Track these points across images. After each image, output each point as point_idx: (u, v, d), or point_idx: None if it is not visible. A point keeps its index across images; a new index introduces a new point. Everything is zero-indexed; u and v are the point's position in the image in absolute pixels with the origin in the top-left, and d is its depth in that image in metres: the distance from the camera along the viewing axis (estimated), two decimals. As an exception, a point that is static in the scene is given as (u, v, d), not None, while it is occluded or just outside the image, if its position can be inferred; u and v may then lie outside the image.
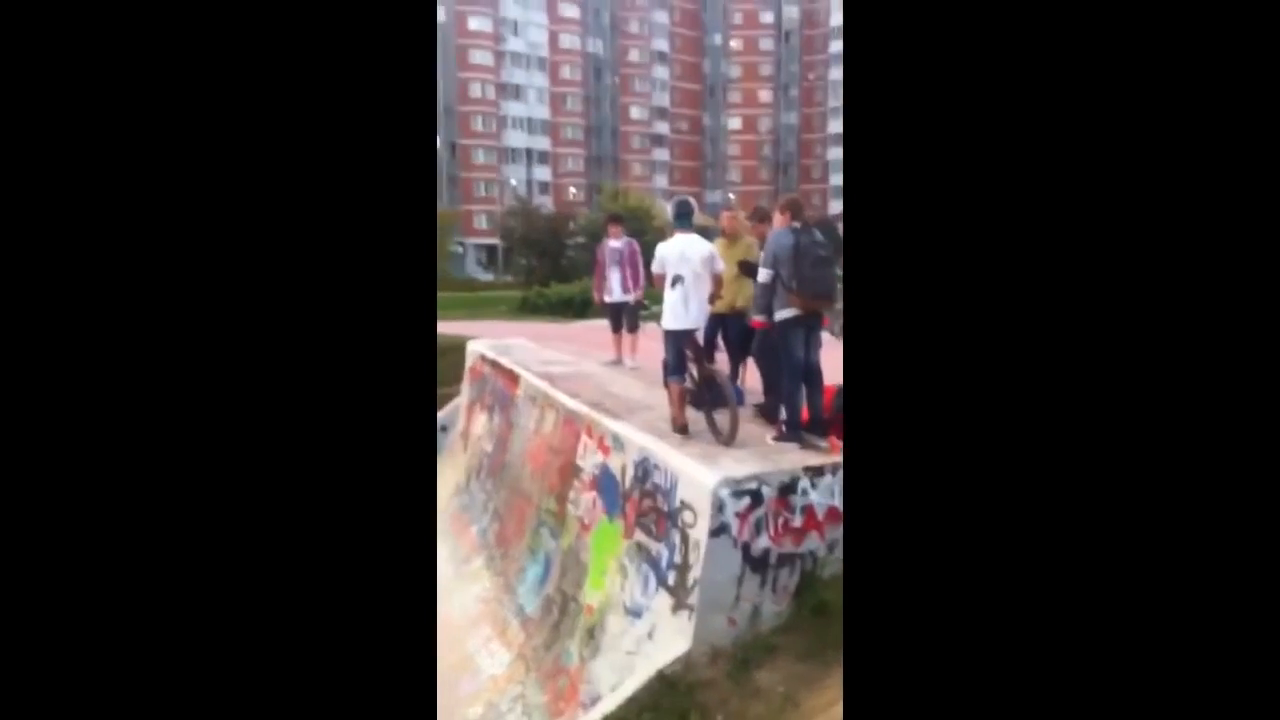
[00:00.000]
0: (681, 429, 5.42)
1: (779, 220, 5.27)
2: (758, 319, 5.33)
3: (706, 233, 5.98)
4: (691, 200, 5.84)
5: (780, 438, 5.17)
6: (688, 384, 5.57)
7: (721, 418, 5.26)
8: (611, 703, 4.38)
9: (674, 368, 5.47)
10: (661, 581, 4.69)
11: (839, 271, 4.96)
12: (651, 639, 4.58)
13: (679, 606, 4.46)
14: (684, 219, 5.57)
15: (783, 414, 5.25)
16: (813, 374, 5.24)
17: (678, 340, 5.41)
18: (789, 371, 5.19)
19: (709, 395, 5.46)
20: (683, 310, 5.33)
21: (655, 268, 5.49)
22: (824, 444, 4.99)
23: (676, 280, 5.32)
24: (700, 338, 5.72)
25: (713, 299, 5.60)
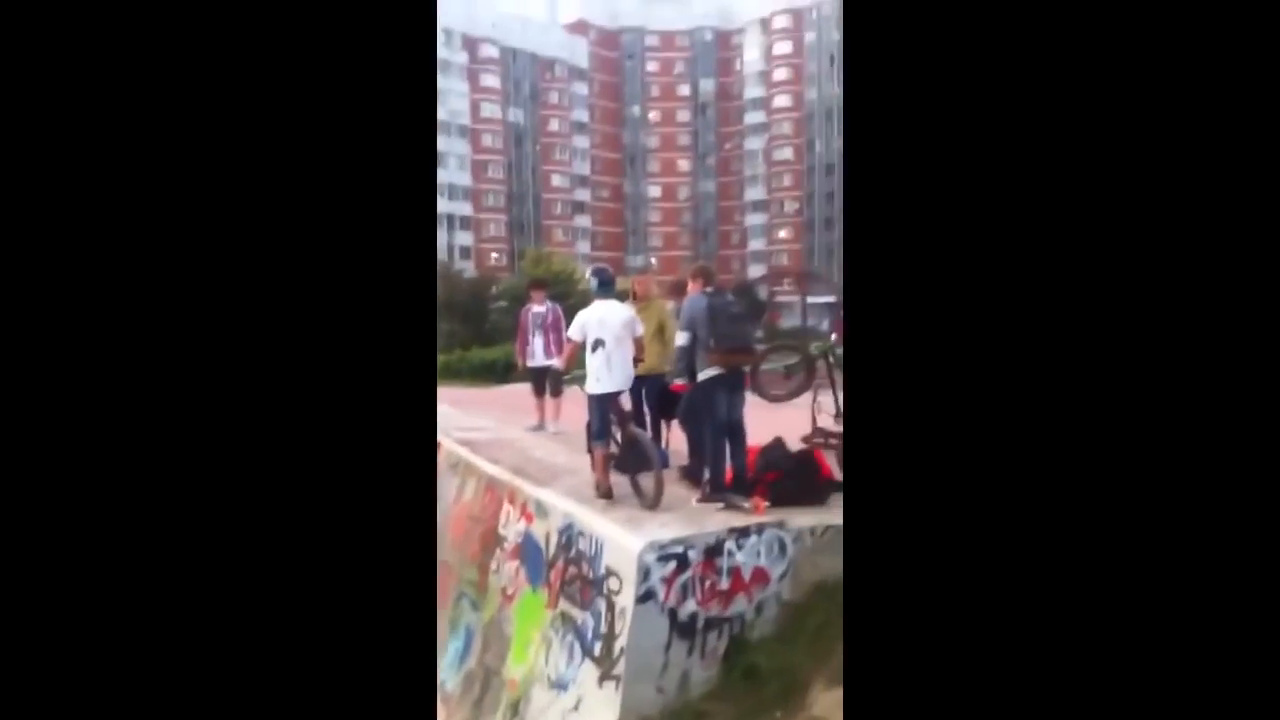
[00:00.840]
0: (606, 494, 5.37)
1: (692, 287, 5.45)
2: (678, 382, 5.42)
3: (620, 297, 6.06)
4: (609, 269, 6.00)
5: (704, 499, 5.16)
6: (611, 448, 5.54)
7: (646, 481, 5.23)
8: (537, 781, 4.20)
9: (598, 432, 5.46)
10: (587, 652, 4.57)
11: (755, 330, 5.06)
12: (577, 711, 4.44)
13: (605, 677, 4.35)
14: (605, 286, 5.70)
15: (706, 474, 5.25)
16: (736, 433, 5.29)
17: (602, 404, 5.43)
18: (712, 431, 5.22)
19: (633, 458, 5.43)
20: (606, 374, 5.37)
21: (574, 334, 5.53)
22: (748, 504, 5.00)
23: (598, 344, 5.37)
24: (624, 400, 5.73)
25: (636, 362, 5.63)
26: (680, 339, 5.24)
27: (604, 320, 5.42)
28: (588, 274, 5.91)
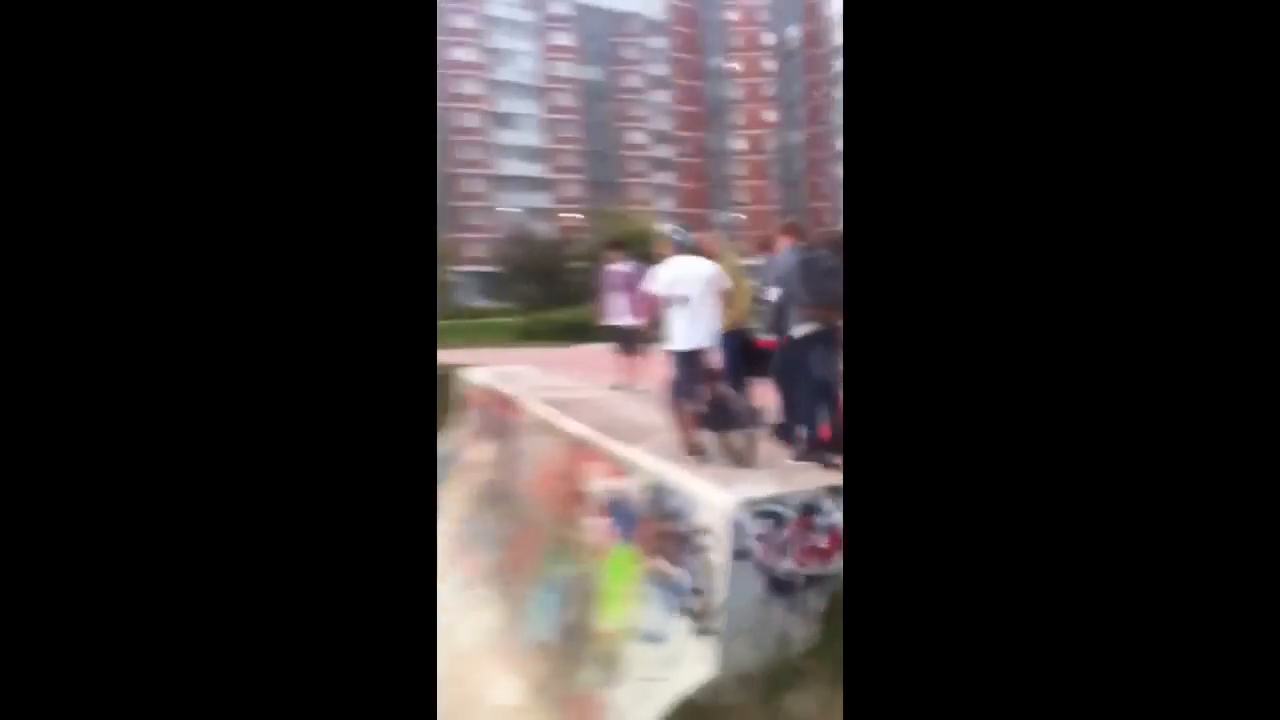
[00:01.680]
0: (695, 451, 5.30)
1: (783, 242, 5.27)
2: (764, 339, 5.26)
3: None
4: (686, 225, 5.83)
5: (800, 457, 5.06)
6: (699, 406, 5.43)
7: (737, 439, 5.13)
8: (636, 732, 4.24)
9: (684, 390, 5.29)
10: (683, 607, 4.56)
11: None
12: (674, 664, 4.45)
13: (701, 631, 4.34)
14: (685, 243, 5.56)
15: (803, 432, 5.14)
16: (831, 391, 5.14)
17: (685, 361, 5.27)
18: (807, 389, 5.11)
19: (722, 416, 5.28)
20: (689, 330, 5.21)
21: (656, 288, 5.37)
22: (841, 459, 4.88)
23: (682, 300, 5.22)
24: (711, 358, 5.59)
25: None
26: (772, 294, 5.12)
27: (686, 276, 5.26)
28: (667, 230, 5.71)
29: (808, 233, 5.37)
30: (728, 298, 5.59)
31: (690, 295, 5.21)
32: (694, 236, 5.67)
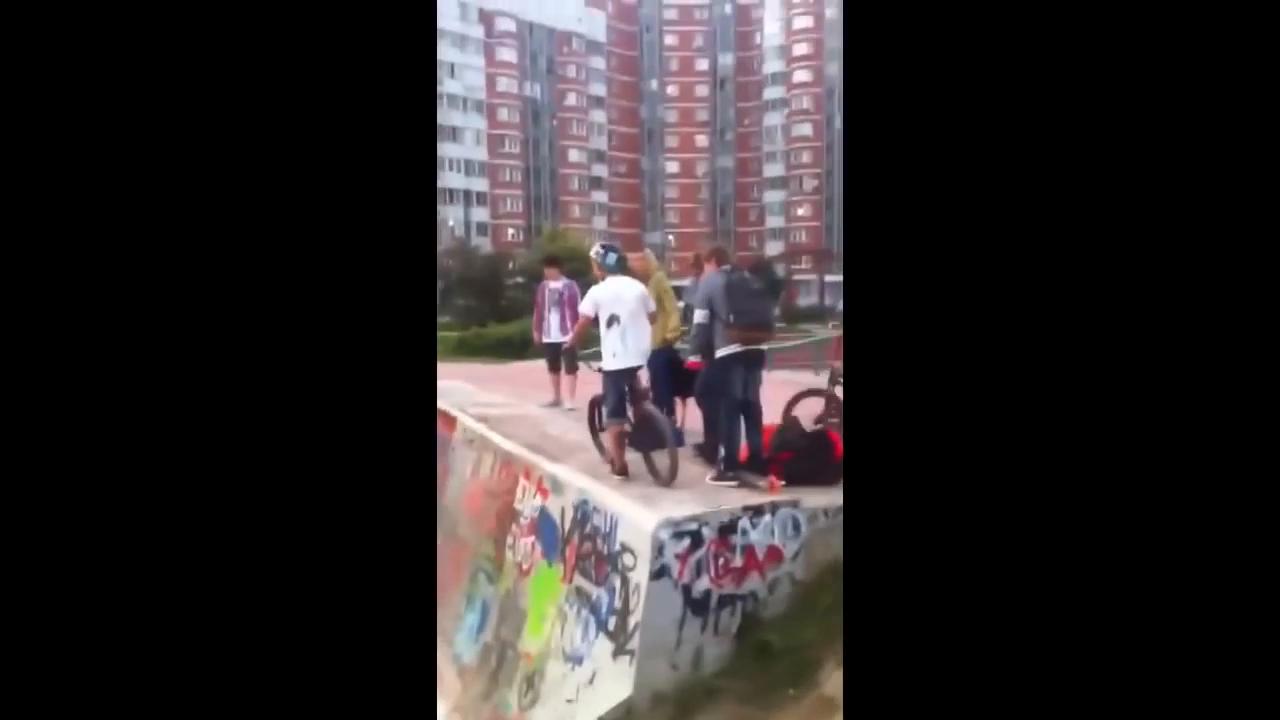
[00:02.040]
0: (621, 471, 5.39)
1: (708, 267, 5.46)
2: (693, 359, 5.41)
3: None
4: (618, 244, 5.92)
5: (719, 477, 5.18)
6: (625, 425, 5.54)
7: (660, 458, 5.23)
8: (552, 753, 4.27)
9: (614, 409, 5.39)
10: (602, 626, 4.61)
11: (774, 308, 5.04)
12: (592, 685, 4.49)
13: (620, 651, 4.39)
14: (618, 262, 5.66)
15: (722, 452, 5.27)
16: (752, 412, 5.29)
17: (618, 380, 5.36)
18: (727, 409, 5.23)
19: (646, 435, 5.40)
20: (621, 349, 5.32)
21: (585, 309, 5.48)
22: (762, 483, 5.01)
23: (612, 320, 5.31)
24: (641, 376, 5.70)
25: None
26: (697, 316, 5.22)
27: (618, 296, 5.37)
28: (596, 250, 5.80)
29: (731, 257, 5.54)
30: (655, 318, 5.75)
31: (620, 315, 5.31)
32: (623, 256, 5.80)
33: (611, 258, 5.64)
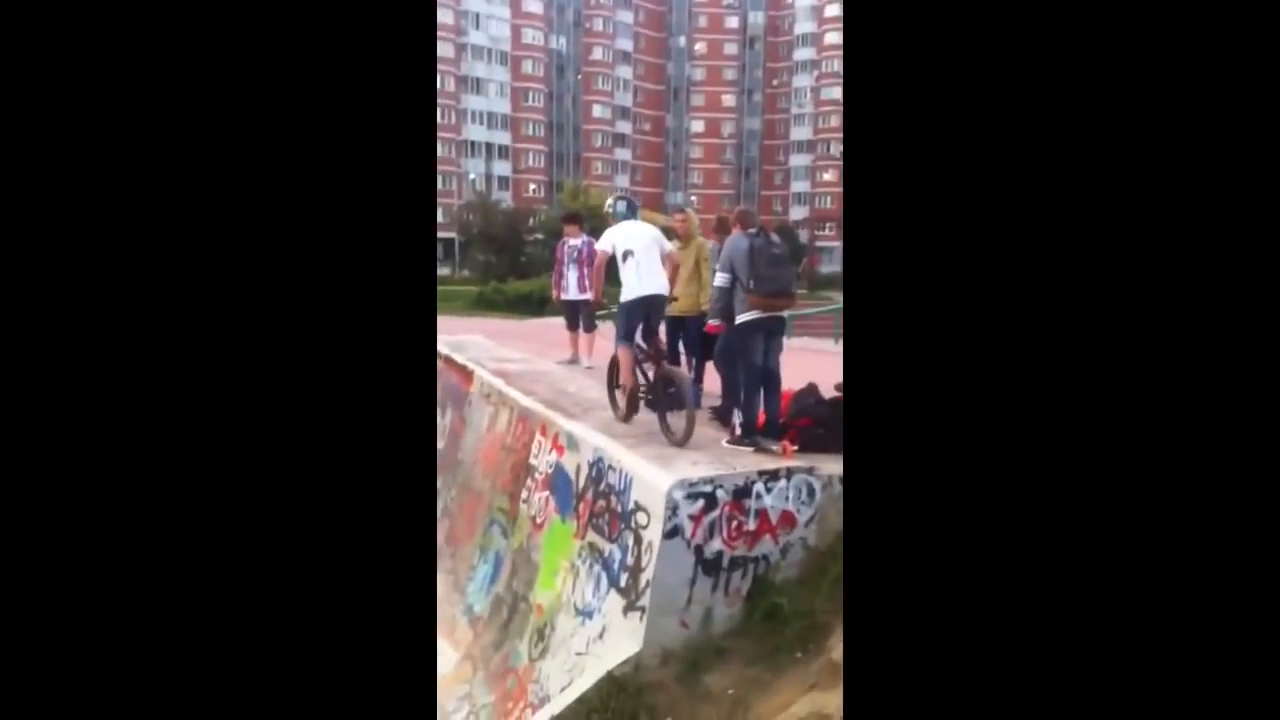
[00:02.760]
0: (631, 403, 5.66)
1: (735, 230, 5.40)
2: (713, 323, 5.39)
3: (668, 234, 6.20)
4: (632, 197, 6.27)
5: (734, 441, 5.18)
6: (641, 384, 5.63)
7: (676, 419, 5.28)
8: (560, 703, 4.34)
9: (624, 334, 5.61)
10: (613, 583, 4.66)
11: (797, 272, 5.00)
12: (602, 640, 4.55)
13: (630, 608, 4.44)
14: (631, 210, 5.96)
15: (737, 417, 5.27)
16: (770, 378, 5.28)
17: (632, 309, 5.58)
18: (746, 375, 5.22)
19: (666, 396, 5.48)
20: (636, 281, 5.53)
21: (603, 245, 5.72)
22: (776, 448, 5.02)
23: (627, 255, 5.56)
24: (661, 336, 5.80)
25: (672, 284, 5.83)
26: (719, 280, 5.23)
27: (632, 234, 5.63)
28: (610, 202, 6.12)
29: (757, 220, 5.48)
30: (676, 268, 5.99)
31: (635, 250, 5.56)
32: (634, 205, 6.02)
33: (622, 205, 5.96)
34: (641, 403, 5.72)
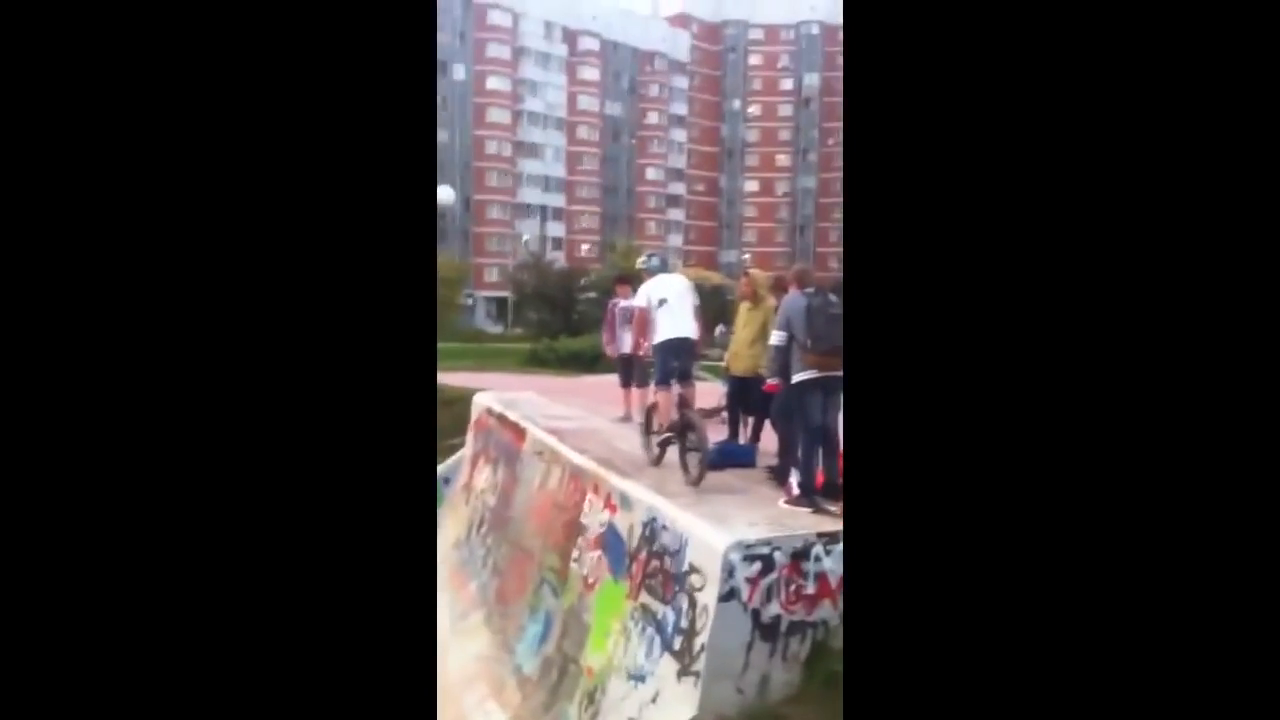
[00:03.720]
0: (664, 441, 6.04)
1: (791, 290, 5.43)
2: (771, 382, 5.39)
3: (722, 293, 6.53)
4: (664, 254, 7.13)
5: (792, 501, 5.07)
6: (672, 393, 5.98)
7: (693, 461, 5.61)
8: (612, 771, 4.21)
9: (661, 377, 6.04)
10: (667, 646, 4.54)
11: None
12: (655, 704, 4.42)
13: (684, 672, 4.31)
14: (663, 265, 6.64)
15: (795, 477, 5.16)
16: (829, 437, 5.18)
17: (665, 351, 6.04)
18: (805, 434, 5.15)
19: (686, 440, 5.77)
20: (670, 325, 6.06)
21: (639, 301, 6.30)
22: (835, 509, 4.88)
23: (661, 302, 6.11)
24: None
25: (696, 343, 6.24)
26: (775, 338, 5.25)
27: (664, 285, 6.22)
28: (645, 258, 6.72)
29: (814, 279, 5.46)
30: (742, 342, 6.51)
31: (668, 298, 6.12)
32: (665, 260, 6.65)
33: (655, 260, 6.63)
34: (654, 438, 6.18)
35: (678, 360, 5.97)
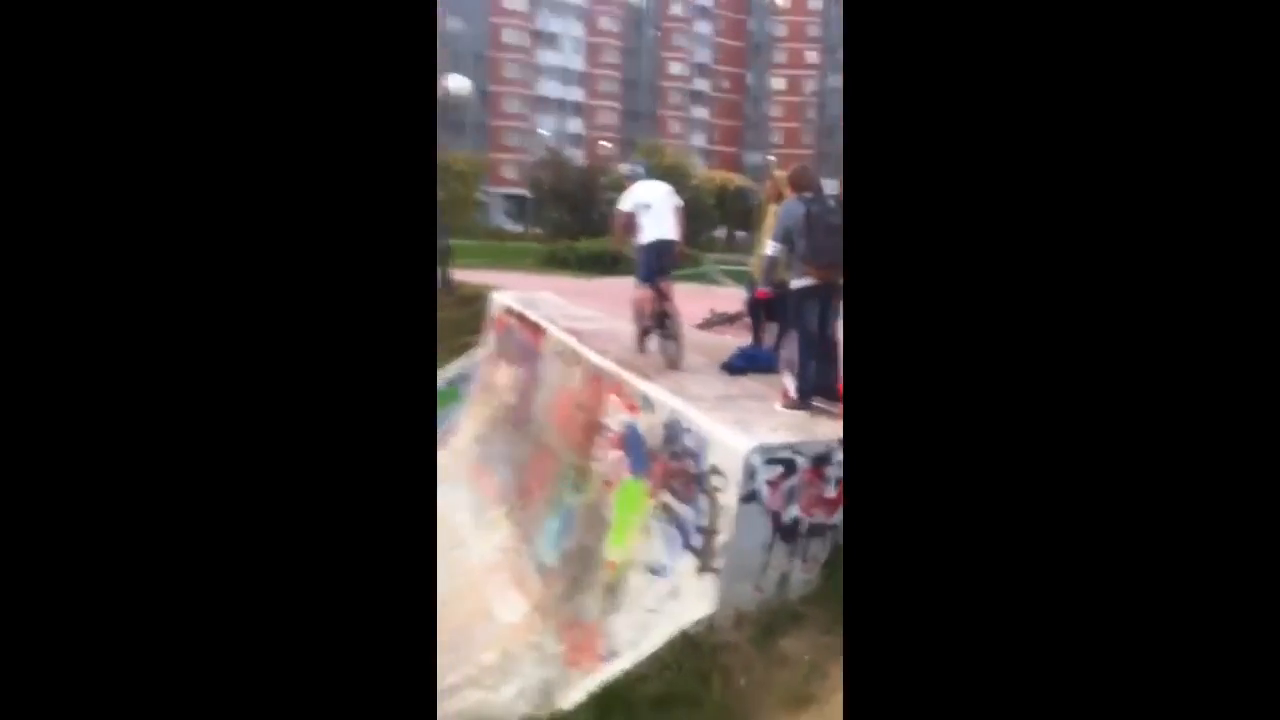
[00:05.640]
0: (645, 330, 6.74)
1: (789, 192, 5.23)
2: (762, 289, 5.39)
3: (745, 195, 6.52)
4: (641, 164, 7.77)
5: (788, 404, 5.09)
6: (648, 321, 6.67)
7: (671, 346, 6.42)
8: (632, 658, 4.37)
9: (645, 275, 6.58)
10: (687, 543, 4.66)
11: None
12: (675, 598, 4.56)
13: (704, 569, 4.44)
14: (647, 170, 7.55)
15: (790, 381, 5.18)
16: (827, 344, 5.16)
17: (649, 252, 6.54)
18: (801, 341, 5.14)
19: (663, 326, 6.56)
20: (652, 227, 6.52)
21: (624, 205, 6.73)
22: (835, 409, 4.91)
23: (646, 207, 6.57)
24: (670, 249, 6.64)
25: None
26: (770, 249, 5.16)
27: (648, 190, 6.69)
28: (628, 167, 7.54)
29: (815, 182, 5.24)
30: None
31: (651, 203, 6.59)
32: (650, 166, 7.30)
33: (640, 168, 7.50)
34: (654, 335, 6.76)
35: (659, 260, 6.54)
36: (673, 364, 6.28)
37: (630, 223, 6.72)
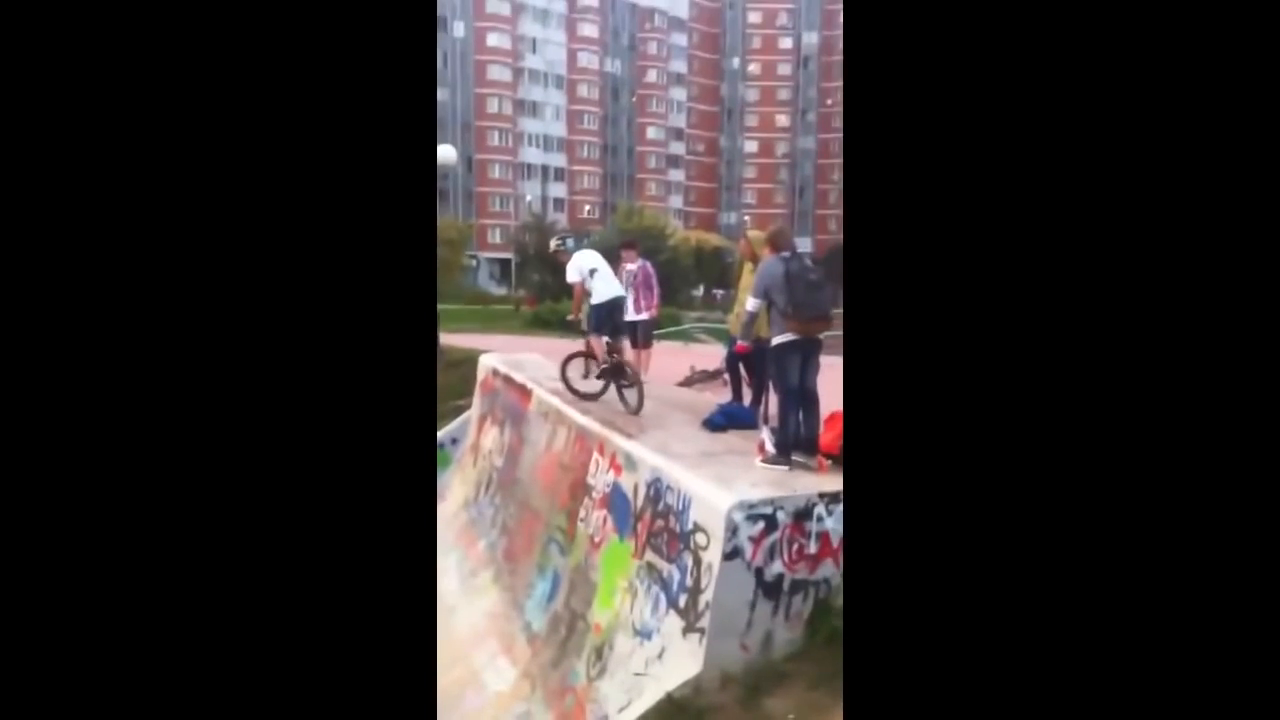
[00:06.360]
0: (601, 376, 7.28)
1: (767, 251, 5.42)
2: (742, 343, 5.67)
3: (723, 255, 6.50)
4: (567, 236, 8.30)
5: (766, 460, 5.16)
6: (603, 367, 7.22)
7: (630, 394, 6.88)
8: (620, 724, 4.34)
9: (595, 328, 7.21)
10: (672, 603, 4.65)
11: (835, 296, 5.06)
12: (661, 660, 4.54)
13: (690, 629, 4.43)
14: (577, 243, 8.10)
15: (768, 436, 5.26)
16: (807, 398, 5.26)
17: (599, 311, 7.19)
18: (782, 395, 5.25)
19: (620, 378, 7.12)
20: (604, 288, 7.19)
21: (572, 277, 7.23)
22: (813, 462, 4.99)
23: (594, 271, 7.20)
24: (620, 304, 7.31)
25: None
26: (750, 304, 5.32)
27: (589, 258, 7.33)
28: (558, 240, 7.98)
29: (790, 242, 5.45)
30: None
31: (598, 267, 7.25)
32: (578, 237, 7.44)
33: (569, 242, 7.89)
34: (594, 378, 7.41)
35: (611, 316, 7.24)
36: (634, 410, 6.74)
37: (582, 290, 7.26)
